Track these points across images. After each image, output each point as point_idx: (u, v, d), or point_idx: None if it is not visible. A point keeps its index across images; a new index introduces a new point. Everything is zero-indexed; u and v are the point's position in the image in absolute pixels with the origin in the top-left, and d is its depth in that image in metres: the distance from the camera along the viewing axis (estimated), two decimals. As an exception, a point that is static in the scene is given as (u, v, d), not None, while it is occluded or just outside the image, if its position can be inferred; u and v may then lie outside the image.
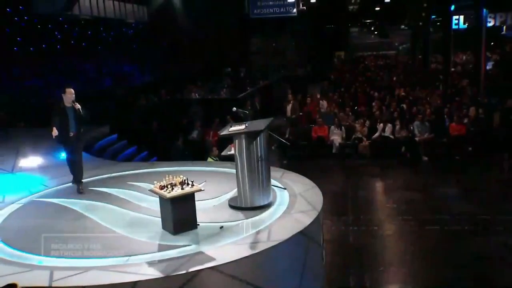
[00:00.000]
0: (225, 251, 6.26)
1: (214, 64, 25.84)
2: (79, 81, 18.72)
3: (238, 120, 16.38)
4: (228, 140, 8.30)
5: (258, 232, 6.76)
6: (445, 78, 24.61)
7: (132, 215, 7.67)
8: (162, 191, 6.73)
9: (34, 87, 16.55)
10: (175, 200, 6.66)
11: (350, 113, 17.73)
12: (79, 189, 8.86)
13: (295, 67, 27.72)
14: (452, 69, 27.58)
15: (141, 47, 23.97)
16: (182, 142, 14.23)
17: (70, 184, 9.11)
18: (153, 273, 5.78)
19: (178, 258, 6.11)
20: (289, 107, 19.28)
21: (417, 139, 15.38)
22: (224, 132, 7.50)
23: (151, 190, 6.99)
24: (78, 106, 8.44)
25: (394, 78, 25.69)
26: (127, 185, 9.13)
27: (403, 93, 20.86)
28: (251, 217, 7.29)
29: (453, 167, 14.84)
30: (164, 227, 6.95)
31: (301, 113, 18.87)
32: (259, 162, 7.47)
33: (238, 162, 7.53)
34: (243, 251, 6.22)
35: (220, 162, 11.03)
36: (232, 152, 7.60)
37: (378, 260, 9.76)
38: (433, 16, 30.26)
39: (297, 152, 15.77)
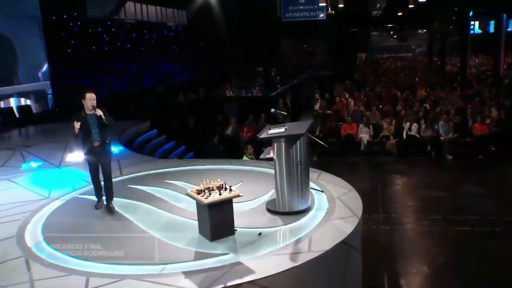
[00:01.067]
0: (264, 262, 5.32)
1: (247, 64, 24.94)
2: (123, 81, 18.13)
3: (272, 119, 15.53)
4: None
5: (298, 241, 5.80)
6: (462, 80, 23.30)
7: (169, 217, 6.78)
8: (199, 196, 5.82)
9: (84, 85, 15.95)
10: (212, 206, 5.75)
11: (377, 112, 16.60)
12: (111, 208, 7.14)
13: (322, 67, 26.57)
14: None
15: (180, 48, 23.20)
16: (218, 140, 13.22)
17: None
18: (189, 286, 4.89)
19: (215, 269, 5.20)
20: (317, 106, 18.30)
21: (442, 138, 14.23)
22: (263, 135, 6.54)
23: (188, 194, 6.08)
24: (99, 112, 6.74)
25: (417, 79, 24.33)
26: (164, 184, 8.23)
27: (424, 94, 19.64)
28: (290, 223, 6.33)
29: (477, 166, 13.65)
30: (201, 232, 6.05)
31: (329, 111, 17.82)
32: (299, 166, 6.50)
33: (277, 165, 6.58)
34: (283, 263, 5.28)
35: (255, 160, 10.08)
36: (271, 155, 6.65)
37: (411, 261, 8.75)
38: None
39: (327, 149, 14.65)
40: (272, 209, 6.71)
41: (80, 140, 6.99)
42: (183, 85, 21.16)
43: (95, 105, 6.79)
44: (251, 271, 5.10)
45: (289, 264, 5.24)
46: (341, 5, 19.01)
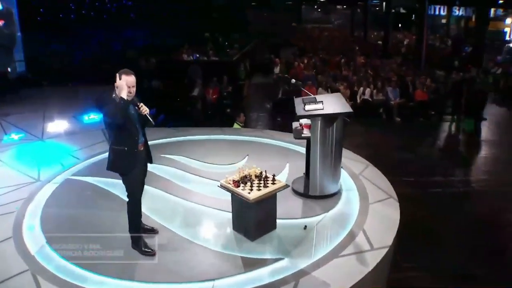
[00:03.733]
0: (332, 269, 3.68)
1: (198, 30, 22.42)
2: (92, 47, 15.46)
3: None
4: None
5: (352, 235, 4.17)
6: (385, 50, 22.13)
7: (185, 206, 4.84)
8: (241, 191, 3.97)
9: (56, 51, 13.32)
10: (257, 201, 3.93)
11: (328, 76, 14.98)
12: (144, 248, 3.95)
13: (269, 35, 24.33)
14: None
15: (138, 15, 20.33)
16: (201, 105, 10.97)
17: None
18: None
19: (278, 284, 3.47)
20: (277, 69, 16.31)
21: (392, 102, 12.93)
22: (301, 112, 4.71)
23: (223, 187, 4.17)
24: (145, 110, 3.78)
25: (357, 47, 22.81)
26: (162, 160, 6.14)
27: (363, 61, 18.24)
28: (330, 210, 4.66)
29: (423, 127, 12.49)
30: (236, 228, 4.23)
31: (286, 75, 15.94)
32: (333, 146, 4.79)
33: (311, 145, 4.82)
34: (355, 269, 3.67)
35: (248, 129, 8.24)
36: (308, 134, 4.85)
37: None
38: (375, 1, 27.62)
39: (290, 110, 12.96)
40: (301, 191, 4.99)
41: (120, 140, 3.77)
42: (144, 50, 18.49)
43: (135, 97, 3.76)
44: (324, 285, 3.43)
45: (361, 269, 3.65)
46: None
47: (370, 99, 13.24)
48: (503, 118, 13.51)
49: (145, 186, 5.10)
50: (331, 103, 4.74)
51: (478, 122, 12.11)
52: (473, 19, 26.80)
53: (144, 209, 4.59)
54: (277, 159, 6.05)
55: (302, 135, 4.84)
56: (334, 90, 13.55)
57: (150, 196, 5.03)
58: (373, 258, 3.77)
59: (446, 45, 25.09)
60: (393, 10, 25.59)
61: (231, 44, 21.84)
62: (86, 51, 14.66)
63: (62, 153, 6.65)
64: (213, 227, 4.37)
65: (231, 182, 4.05)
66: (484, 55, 17.53)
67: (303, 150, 6.90)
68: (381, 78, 14.37)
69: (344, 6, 37.77)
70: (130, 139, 3.78)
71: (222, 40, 23.75)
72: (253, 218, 3.96)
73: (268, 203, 4.04)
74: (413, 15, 30.94)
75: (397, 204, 4.79)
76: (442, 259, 6.13)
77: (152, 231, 4.24)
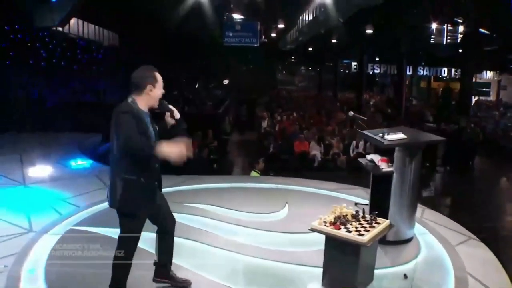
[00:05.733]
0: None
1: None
2: (62, 95, 14.80)
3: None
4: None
5: (462, 281, 3.57)
6: (359, 108, 22.56)
7: (242, 261, 4.02)
8: (348, 234, 3.25)
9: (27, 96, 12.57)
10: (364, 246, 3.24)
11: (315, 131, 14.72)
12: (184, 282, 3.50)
13: (247, 91, 24.13)
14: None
15: (107, 69, 19.74)
16: (207, 154, 10.09)
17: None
18: None
19: None
20: (264, 123, 15.91)
21: (382, 156, 12.74)
22: (387, 142, 4.13)
23: (315, 230, 3.42)
24: (176, 113, 3.25)
25: (338, 103, 22.99)
26: (187, 209, 5.31)
27: (344, 116, 18.27)
28: (417, 255, 4.04)
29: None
30: (327, 284, 3.45)
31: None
32: (412, 182, 4.25)
33: (393, 182, 4.24)
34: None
35: (267, 177, 7.55)
36: (389, 169, 4.26)
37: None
38: (346, 60, 28.71)
39: (281, 165, 12.43)
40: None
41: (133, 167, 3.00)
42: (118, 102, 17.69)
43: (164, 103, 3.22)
44: None
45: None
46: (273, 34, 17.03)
47: (363, 152, 12.98)
48: (489, 168, 13.58)
49: (179, 239, 4.17)
50: (410, 133, 4.26)
51: (469, 172, 12.06)
52: (432, 80, 28.83)
53: (190, 266, 3.79)
54: (320, 206, 5.40)
55: (382, 170, 4.26)
56: (327, 144, 13.27)
57: (193, 252, 4.16)
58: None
59: (411, 103, 26.02)
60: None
61: (202, 100, 21.54)
62: (58, 99, 13.95)
63: (53, 199, 5.69)
64: (294, 285, 3.58)
65: (328, 224, 3.34)
66: (471, 108, 18.16)
67: (338, 195, 6.38)
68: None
69: (310, 68, 38.98)
70: (147, 167, 3.03)
71: (192, 98, 23.48)
72: (358, 268, 3.24)
73: (371, 249, 3.35)
74: (378, 76, 32.66)
75: (483, 244, 4.29)
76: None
77: (185, 284, 3.48)
